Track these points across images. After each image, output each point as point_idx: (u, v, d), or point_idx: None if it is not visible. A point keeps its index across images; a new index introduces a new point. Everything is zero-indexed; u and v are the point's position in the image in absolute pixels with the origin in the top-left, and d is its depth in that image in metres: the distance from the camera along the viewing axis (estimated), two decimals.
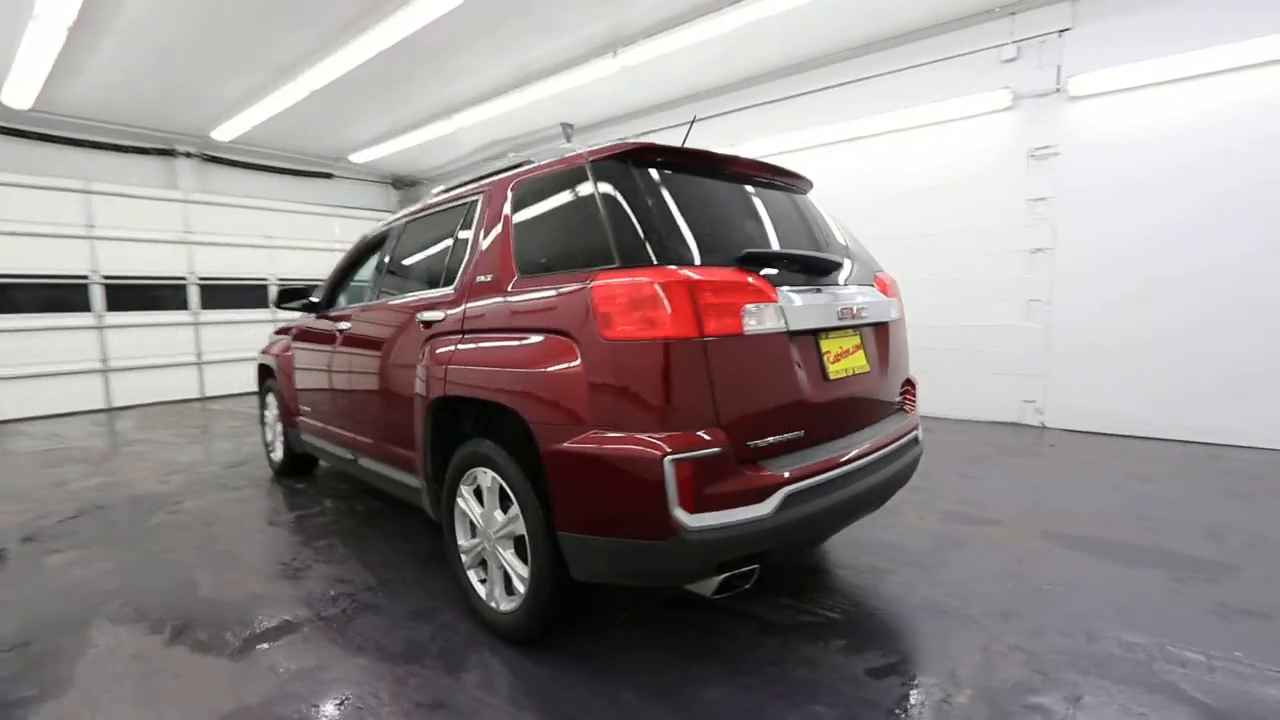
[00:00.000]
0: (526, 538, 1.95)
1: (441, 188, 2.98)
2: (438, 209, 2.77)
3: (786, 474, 1.73)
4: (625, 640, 2.13)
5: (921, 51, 5.64)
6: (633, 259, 1.74)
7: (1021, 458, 4.41)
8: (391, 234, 3.14)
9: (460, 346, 2.21)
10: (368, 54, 5.51)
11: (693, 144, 2.12)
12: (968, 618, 2.22)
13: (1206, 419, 4.51)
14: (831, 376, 1.99)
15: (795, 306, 1.88)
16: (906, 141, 5.84)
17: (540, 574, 1.90)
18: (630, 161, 1.95)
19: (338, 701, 1.84)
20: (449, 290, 2.39)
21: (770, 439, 1.77)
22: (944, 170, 5.64)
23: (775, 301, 1.81)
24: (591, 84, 6.46)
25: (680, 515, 1.57)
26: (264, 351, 4.47)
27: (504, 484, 2.03)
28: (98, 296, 7.73)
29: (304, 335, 3.80)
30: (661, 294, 1.64)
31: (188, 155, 8.55)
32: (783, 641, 2.09)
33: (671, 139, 2.14)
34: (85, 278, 7.63)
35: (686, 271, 1.70)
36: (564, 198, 2.05)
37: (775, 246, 2.12)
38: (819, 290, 2.04)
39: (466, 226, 2.46)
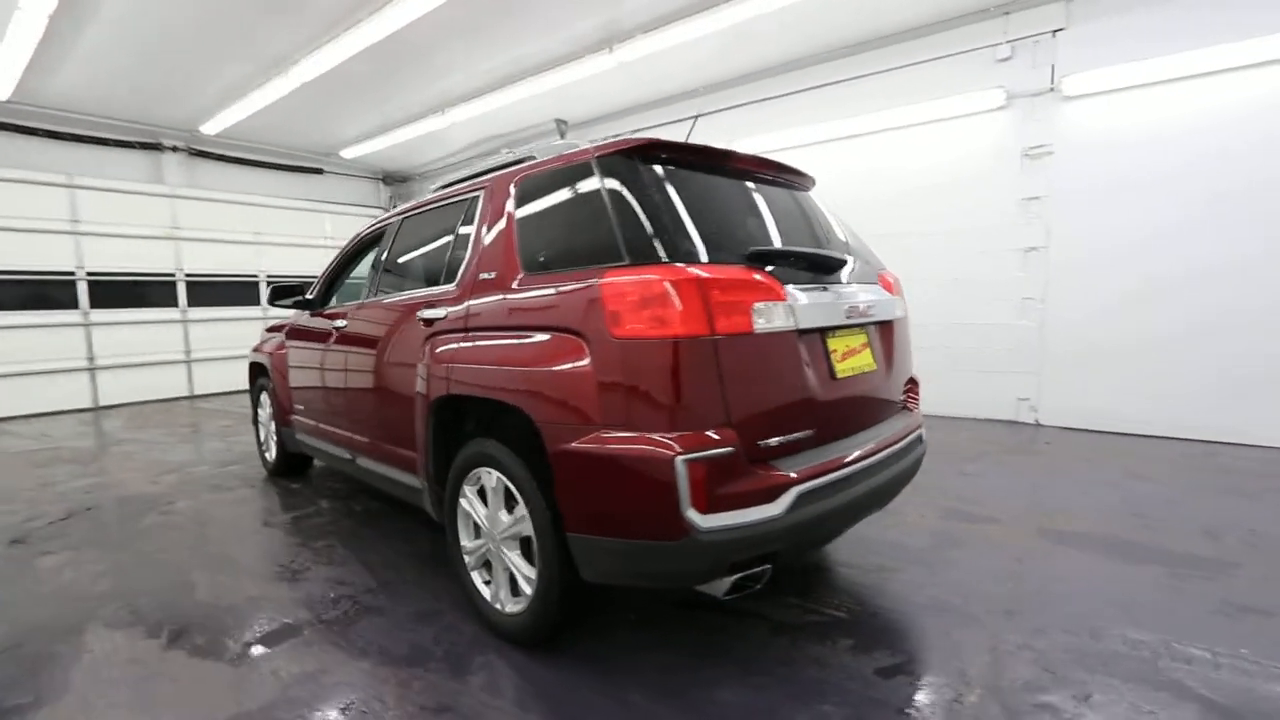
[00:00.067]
0: (533, 539, 1.92)
1: (440, 184, 2.94)
2: (437, 205, 2.73)
3: (798, 473, 1.71)
4: (633, 641, 2.12)
5: (916, 50, 5.65)
6: (642, 256, 1.72)
7: (1018, 455, 4.43)
8: (389, 230, 3.10)
9: (464, 345, 2.18)
10: (360, 47, 5.44)
11: (692, 140, 2.10)
12: (972, 616, 2.22)
13: (1202, 417, 4.56)
14: (839, 375, 1.98)
15: (803, 305, 1.87)
16: (901, 140, 5.85)
17: (548, 575, 1.88)
18: (637, 157, 1.93)
19: (342, 706, 1.81)
20: (451, 287, 2.36)
21: (780, 438, 1.76)
22: (938, 169, 5.66)
23: (784, 300, 1.80)
24: (586, 80, 6.42)
25: (692, 516, 1.55)
26: (256, 350, 4.40)
27: (509, 484, 2.01)
28: (83, 293, 7.59)
29: (298, 333, 3.74)
30: (672, 292, 1.63)
31: (174, 149, 8.42)
32: (791, 641, 2.09)
33: (667, 136, 2.12)
34: (70, 274, 7.50)
35: (697, 269, 1.68)
36: (570, 194, 2.02)
37: (782, 244, 2.11)
38: (825, 288, 2.03)
39: (468, 223, 2.43)
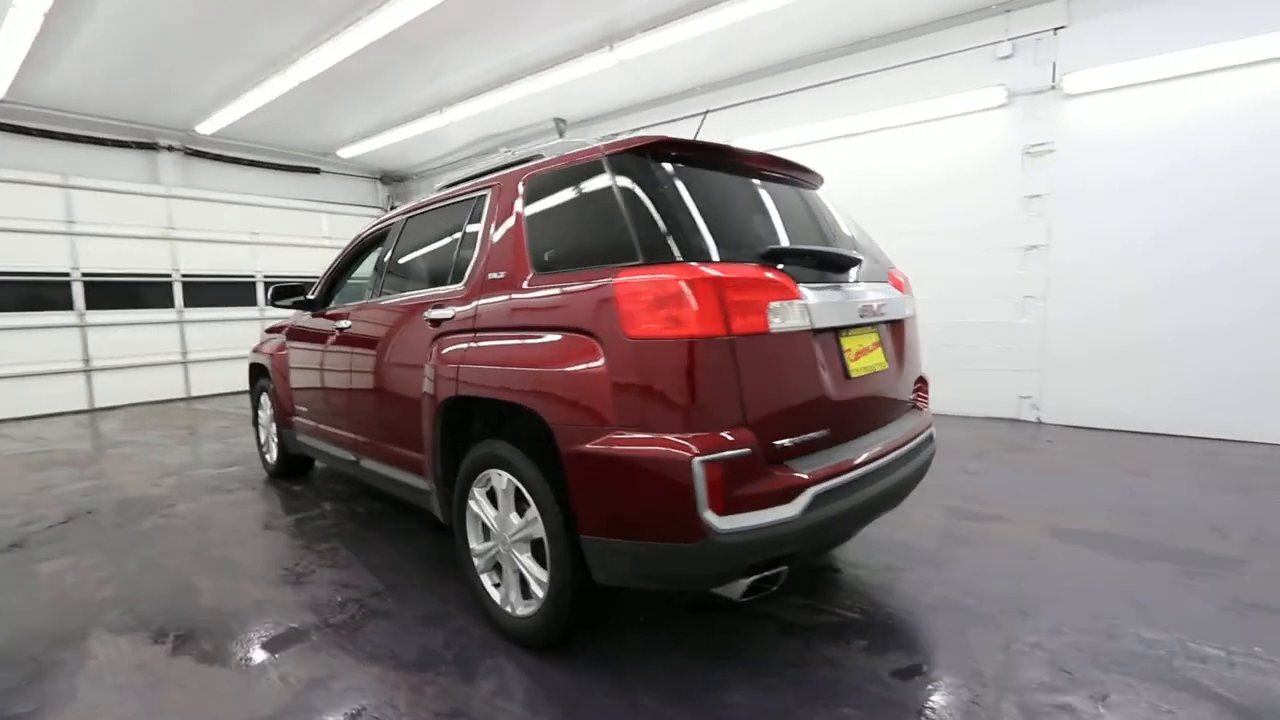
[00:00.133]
0: (545, 541, 1.90)
1: (445, 183, 2.92)
2: (442, 204, 2.71)
3: (814, 474, 1.70)
4: (644, 643, 2.10)
5: (917, 48, 5.64)
6: (656, 255, 1.70)
7: (1020, 453, 4.44)
8: (392, 230, 3.07)
9: (473, 345, 2.16)
10: (358, 46, 5.40)
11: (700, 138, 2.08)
12: (985, 616, 2.22)
13: (1203, 414, 4.57)
14: (853, 375, 1.97)
15: (818, 304, 1.85)
16: (901, 138, 5.84)
17: (560, 578, 1.86)
18: (648, 155, 1.91)
19: (353, 712, 1.79)
20: (459, 287, 2.33)
21: (796, 438, 1.74)
22: (939, 167, 5.65)
23: (800, 299, 1.78)
24: (585, 79, 6.39)
25: (710, 517, 1.54)
26: (256, 350, 4.37)
27: (520, 486, 1.99)
28: (78, 294, 7.53)
29: (300, 334, 3.71)
30: (688, 291, 1.61)
31: (170, 149, 8.35)
32: (804, 642, 2.07)
33: (669, 134, 2.09)
34: (65, 275, 7.43)
35: (712, 269, 1.66)
36: (580, 193, 2.00)
37: (794, 242, 2.09)
38: (838, 287, 2.01)
39: (475, 222, 2.40)
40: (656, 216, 1.77)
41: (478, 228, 2.36)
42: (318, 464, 4.40)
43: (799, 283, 1.84)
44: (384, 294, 2.95)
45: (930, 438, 2.39)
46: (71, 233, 7.45)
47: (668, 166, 1.92)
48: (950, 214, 5.60)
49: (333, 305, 3.54)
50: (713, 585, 1.68)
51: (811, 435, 1.79)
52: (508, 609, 2.11)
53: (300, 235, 9.69)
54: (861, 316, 2.03)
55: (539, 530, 1.93)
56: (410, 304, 2.64)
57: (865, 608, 2.31)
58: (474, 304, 2.22)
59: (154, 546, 3.12)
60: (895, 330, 2.30)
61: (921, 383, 2.56)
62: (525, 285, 2.03)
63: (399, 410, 2.67)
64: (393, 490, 2.83)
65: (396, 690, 1.88)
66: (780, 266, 1.84)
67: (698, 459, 1.53)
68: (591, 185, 1.96)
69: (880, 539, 2.90)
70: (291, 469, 4.22)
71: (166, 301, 8.31)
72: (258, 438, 4.53)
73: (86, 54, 5.73)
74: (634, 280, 1.68)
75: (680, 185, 1.88)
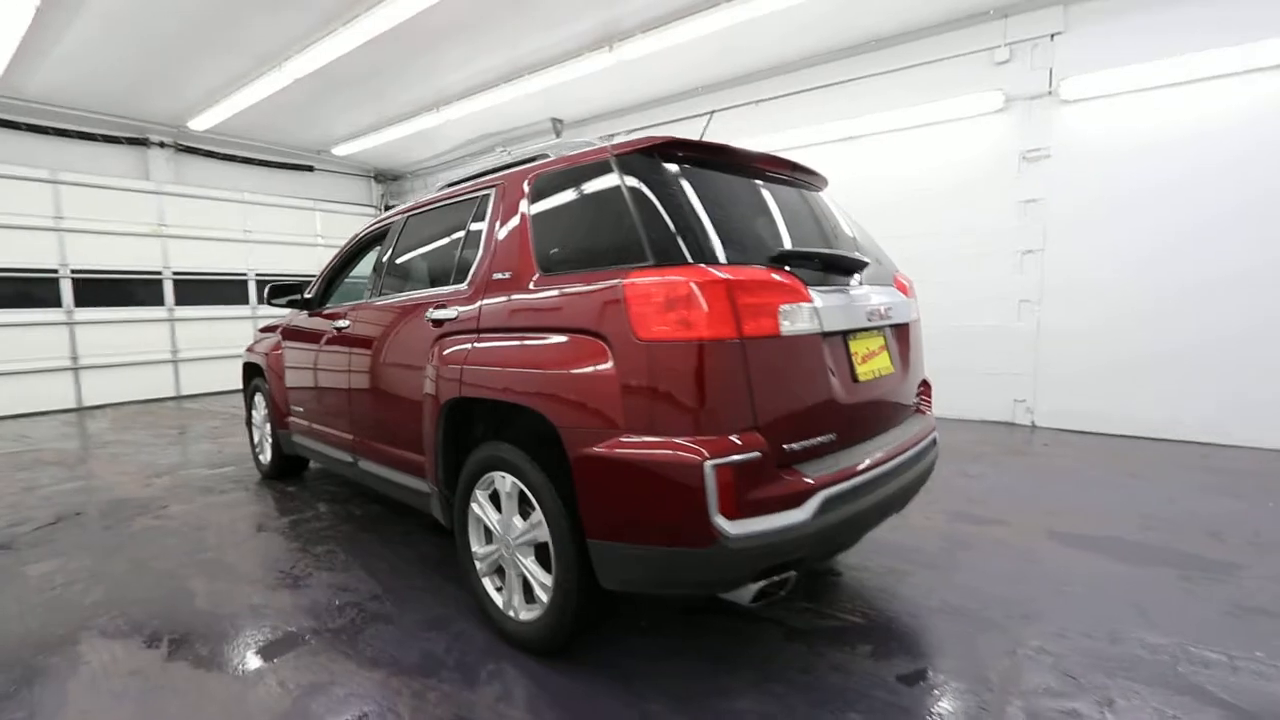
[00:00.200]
0: (550, 545, 1.88)
1: (446, 182, 2.89)
2: (445, 203, 2.68)
3: (823, 478, 1.69)
4: (649, 648, 2.08)
5: (915, 52, 5.66)
6: (666, 257, 1.69)
7: (1017, 457, 4.45)
8: (392, 229, 3.04)
9: (477, 346, 2.13)
10: (355, 43, 5.36)
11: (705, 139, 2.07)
12: (989, 620, 2.21)
13: (1193, 419, 4.61)
14: (860, 378, 1.96)
15: (827, 307, 1.84)
16: (899, 142, 5.86)
17: (566, 583, 1.84)
18: (657, 155, 1.90)
19: (355, 719, 1.76)
20: (462, 287, 2.31)
21: (805, 442, 1.73)
22: (936, 171, 5.68)
23: (810, 302, 1.77)
24: (582, 79, 6.37)
25: (721, 522, 1.52)
26: (250, 350, 4.32)
27: (524, 489, 1.96)
28: (67, 291, 7.42)
29: (296, 334, 3.67)
30: (699, 294, 1.59)
31: (162, 145, 8.26)
32: (809, 647, 2.06)
33: (666, 135, 2.06)
34: (54, 271, 7.32)
35: (723, 271, 1.65)
36: (588, 193, 1.99)
37: (800, 245, 2.08)
38: (845, 291, 2.01)
39: (478, 222, 2.38)
40: (666, 217, 1.75)
41: (481, 227, 2.34)
42: (312, 465, 4.35)
43: (808, 285, 1.83)
44: (383, 294, 2.92)
45: (934, 442, 2.39)
46: (60, 229, 7.35)
47: (676, 167, 1.91)
48: (947, 218, 5.63)
49: (330, 305, 3.50)
50: (723, 590, 1.67)
51: (820, 439, 1.78)
52: (510, 613, 2.08)
53: (293, 233, 9.61)
54: (869, 320, 2.03)
55: (543, 534, 1.91)
56: (411, 304, 2.61)
57: (868, 612, 2.30)
58: (478, 304, 2.19)
59: (146, 548, 3.07)
60: (900, 334, 2.30)
61: (925, 386, 2.57)
62: (531, 286, 2.00)
63: (399, 411, 2.63)
64: (391, 492, 2.80)
65: (399, 696, 1.86)
66: (787, 268, 1.83)
67: (710, 463, 1.51)
68: (599, 185, 1.94)
69: (881, 542, 2.89)
70: (286, 470, 4.17)
71: (157, 299, 8.20)
72: (251, 438, 4.47)
73: (78, 48, 5.65)
74: (644, 282, 1.66)
75: (689, 186, 1.87)
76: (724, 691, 1.84)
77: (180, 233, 8.34)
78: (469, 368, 2.12)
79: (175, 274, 8.33)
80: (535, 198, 2.15)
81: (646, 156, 1.89)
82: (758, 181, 2.16)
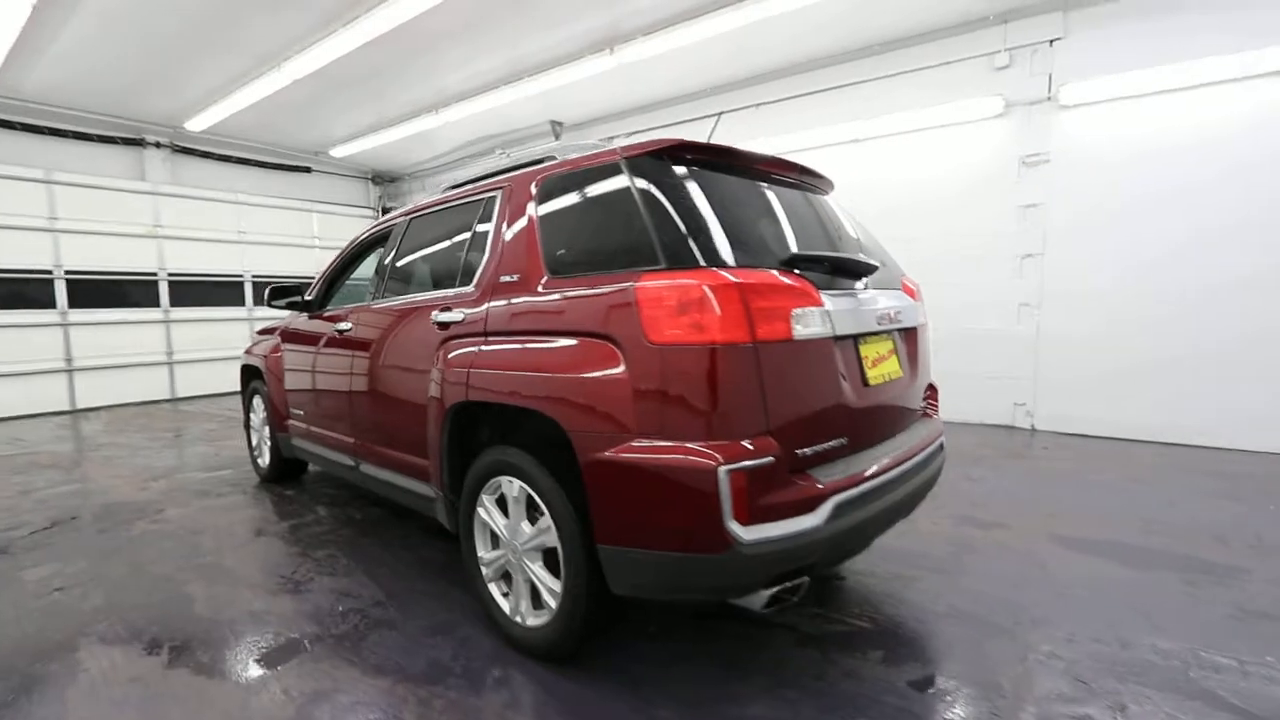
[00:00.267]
0: (559, 550, 1.86)
1: (451, 183, 2.87)
2: (449, 205, 2.66)
3: (835, 482, 1.68)
4: (658, 654, 2.06)
5: (915, 57, 5.68)
6: (678, 260, 1.67)
7: (1018, 460, 4.46)
8: (396, 231, 3.01)
9: (484, 348, 2.11)
10: (355, 43, 5.33)
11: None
12: (997, 625, 2.21)
13: (1193, 423, 4.63)
14: (871, 382, 1.95)
15: (839, 311, 1.84)
16: (898, 146, 5.88)
17: (575, 588, 1.82)
18: (667, 158, 1.89)
19: None
20: (468, 290, 2.29)
21: (817, 447, 1.72)
22: (936, 175, 5.69)
23: (822, 305, 1.76)
24: (583, 82, 6.37)
25: (735, 528, 1.51)
26: (249, 352, 4.28)
27: (532, 493, 1.95)
28: (61, 292, 7.35)
29: (296, 336, 3.64)
30: (712, 297, 1.58)
31: (158, 145, 8.20)
32: (820, 653, 2.05)
33: (666, 138, 2.06)
34: (48, 272, 7.26)
35: (736, 274, 1.63)
36: (597, 195, 1.97)
37: (808, 248, 2.07)
38: (854, 294, 2.00)
39: (485, 223, 2.36)
40: (677, 220, 1.74)
41: (488, 229, 2.32)
42: (311, 468, 4.31)
43: (819, 289, 1.82)
44: (386, 296, 2.90)
45: (941, 446, 2.39)
46: (54, 229, 7.28)
47: (685, 169, 1.90)
48: (947, 221, 5.64)
49: (331, 307, 3.48)
50: (735, 596, 1.65)
51: (831, 444, 1.77)
52: (517, 619, 2.06)
53: (290, 235, 9.56)
54: (879, 324, 2.02)
55: (552, 539, 1.89)
56: (415, 306, 2.59)
57: (877, 617, 2.29)
58: (484, 306, 2.17)
59: (143, 553, 3.03)
60: (908, 338, 2.30)
61: (931, 390, 2.57)
62: (540, 288, 1.99)
63: (402, 415, 2.61)
64: (394, 496, 2.77)
65: (405, 704, 1.83)
66: (797, 271, 1.82)
67: (723, 468, 1.50)
68: (608, 187, 1.93)
69: (886, 546, 2.88)
70: (284, 473, 4.14)
71: (152, 301, 8.14)
72: (249, 441, 4.43)
73: (75, 47, 5.60)
74: (656, 285, 1.65)
75: (698, 189, 1.86)
76: (736, 698, 1.83)
77: (176, 234, 8.28)
78: (476, 371, 2.10)
79: (170, 275, 8.27)
80: (543, 199, 2.14)
81: (656, 159, 1.88)
82: (765, 184, 2.15)
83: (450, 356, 2.25)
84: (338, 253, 3.57)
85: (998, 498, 3.58)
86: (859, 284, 2.05)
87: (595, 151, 2.07)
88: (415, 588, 2.59)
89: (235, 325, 8.91)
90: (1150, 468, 4.14)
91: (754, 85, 6.63)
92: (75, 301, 7.45)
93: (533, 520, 1.99)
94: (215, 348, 8.57)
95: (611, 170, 1.93)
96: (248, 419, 4.43)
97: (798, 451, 1.67)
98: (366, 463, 2.93)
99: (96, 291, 7.62)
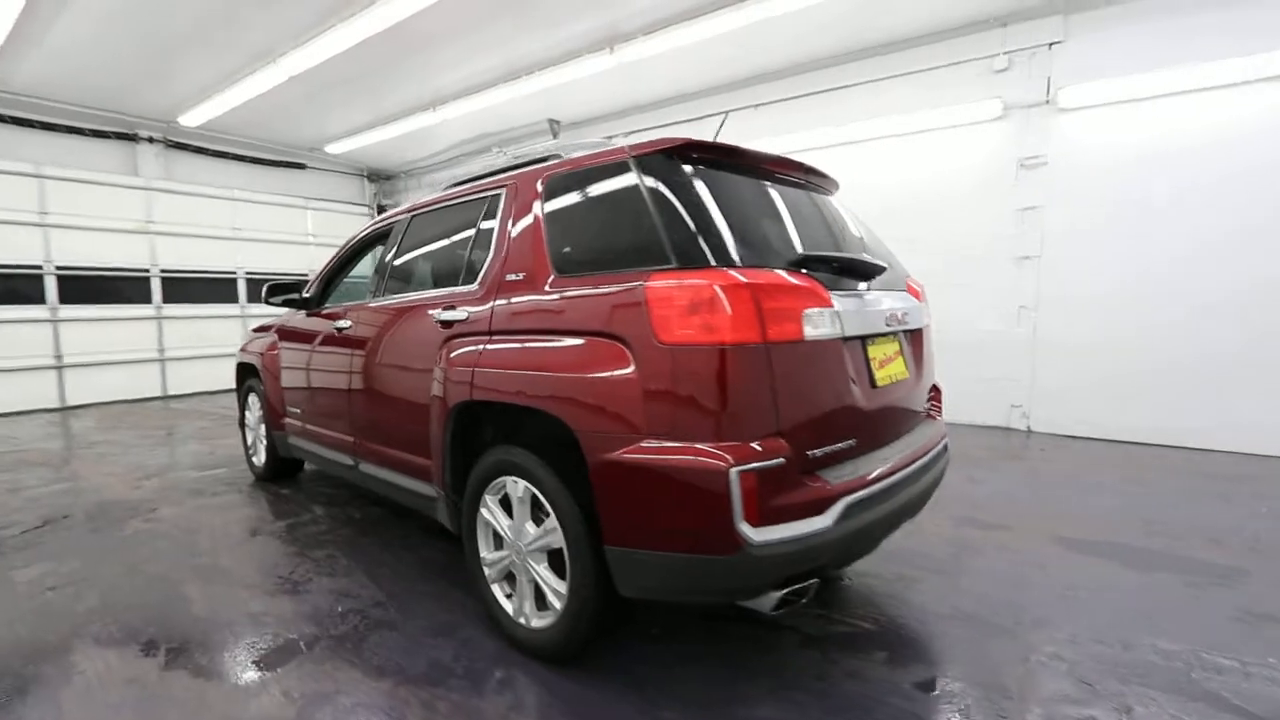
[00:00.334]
0: (565, 551, 1.84)
1: (453, 180, 2.85)
2: (452, 203, 2.64)
3: (844, 484, 1.67)
4: (662, 655, 2.05)
5: (913, 60, 5.69)
6: (688, 259, 1.66)
7: (1016, 461, 4.48)
8: (396, 228, 2.99)
9: (488, 348, 2.09)
10: (353, 40, 5.28)
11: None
12: (1000, 627, 2.21)
13: (1188, 425, 4.66)
14: (879, 383, 1.95)
15: (848, 312, 1.83)
16: (898, 148, 5.89)
17: (581, 590, 1.81)
18: (677, 157, 1.88)
19: None
20: (472, 288, 2.27)
21: (827, 448, 1.72)
22: (934, 178, 5.71)
23: (832, 306, 1.75)
24: (582, 80, 6.34)
25: (745, 529, 1.50)
26: (245, 350, 4.23)
27: (537, 494, 1.93)
28: (51, 287, 7.26)
29: (294, 334, 3.60)
30: (724, 297, 1.57)
31: (151, 140, 8.11)
32: (824, 654, 2.04)
33: (663, 137, 2.03)
34: (38, 267, 7.16)
35: (747, 274, 1.62)
36: (605, 194, 1.96)
37: (815, 248, 2.06)
38: (861, 295, 1.99)
39: (489, 221, 2.34)
40: (687, 219, 1.73)
41: (492, 227, 2.30)
42: (307, 467, 4.27)
43: (828, 290, 1.81)
44: (387, 294, 2.87)
45: (946, 447, 2.39)
46: (45, 224, 7.19)
47: (695, 168, 1.89)
48: (944, 223, 5.65)
49: (329, 304, 3.45)
50: (745, 598, 1.64)
51: (841, 445, 1.77)
52: (521, 620, 2.05)
53: (284, 232, 9.48)
54: (886, 325, 2.02)
55: (558, 540, 1.87)
56: (417, 304, 2.56)
57: (880, 618, 2.29)
58: (489, 305, 2.15)
59: (138, 552, 2.99)
60: (914, 339, 2.30)
61: (935, 391, 2.57)
62: (547, 287, 1.97)
63: (403, 414, 2.59)
64: (394, 496, 2.75)
65: (408, 706, 1.81)
66: (805, 271, 1.81)
67: (735, 469, 1.49)
68: (617, 186, 1.92)
69: (888, 547, 2.87)
70: (280, 472, 4.10)
71: (144, 297, 8.05)
72: (244, 439, 4.38)
73: (68, 40, 5.52)
74: (667, 285, 1.64)
75: (707, 188, 1.85)
76: (742, 699, 1.82)
77: (169, 230, 8.19)
78: (480, 370, 2.08)
79: (163, 272, 8.18)
80: (550, 198, 2.12)
81: (666, 158, 1.87)
82: (772, 184, 2.14)
83: (453, 355, 2.23)
84: (336, 250, 3.54)
85: (997, 499, 3.59)
86: (865, 285, 2.05)
87: (602, 150, 2.06)
88: (416, 588, 2.57)
89: (228, 323, 8.83)
90: (1147, 470, 4.16)
91: (753, 85, 6.62)
92: (66, 297, 7.36)
93: (538, 521, 1.97)
94: (208, 345, 8.49)
95: (620, 169, 1.92)
96: (243, 417, 4.38)
97: (808, 453, 1.66)
98: (366, 462, 2.91)
99: (87, 287, 7.53)
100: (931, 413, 2.50)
